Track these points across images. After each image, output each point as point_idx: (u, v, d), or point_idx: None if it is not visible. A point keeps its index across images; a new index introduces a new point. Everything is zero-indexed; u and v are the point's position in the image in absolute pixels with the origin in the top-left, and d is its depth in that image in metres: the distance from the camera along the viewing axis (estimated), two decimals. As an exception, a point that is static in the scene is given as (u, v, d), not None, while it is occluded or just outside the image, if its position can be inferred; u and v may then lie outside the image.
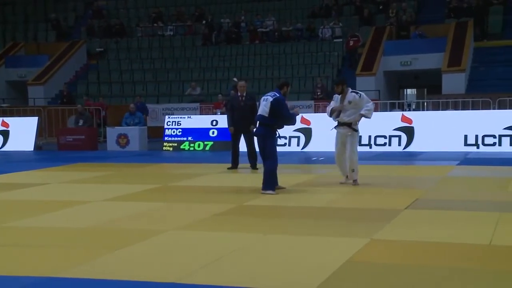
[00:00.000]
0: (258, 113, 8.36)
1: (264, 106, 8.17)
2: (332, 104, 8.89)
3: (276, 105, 8.05)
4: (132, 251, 5.20)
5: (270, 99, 8.13)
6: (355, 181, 8.68)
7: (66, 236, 5.89)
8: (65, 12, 30.03)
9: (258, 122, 8.39)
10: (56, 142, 17.92)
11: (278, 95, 8.15)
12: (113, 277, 4.43)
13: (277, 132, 8.29)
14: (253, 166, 11.17)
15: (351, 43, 22.85)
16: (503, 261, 4.70)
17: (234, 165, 11.30)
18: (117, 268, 4.69)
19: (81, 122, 18.06)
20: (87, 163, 13.47)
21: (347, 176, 8.77)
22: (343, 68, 23.43)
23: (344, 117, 8.68)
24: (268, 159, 8.20)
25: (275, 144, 8.30)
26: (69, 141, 17.54)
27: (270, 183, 8.15)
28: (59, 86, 24.54)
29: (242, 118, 11.01)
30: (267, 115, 8.11)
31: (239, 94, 11.39)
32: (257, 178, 10.11)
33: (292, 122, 8.42)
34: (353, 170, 8.64)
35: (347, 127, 8.68)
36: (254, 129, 8.76)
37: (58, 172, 11.60)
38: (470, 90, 20.41)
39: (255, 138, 8.86)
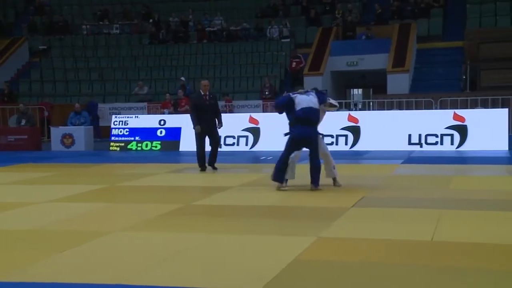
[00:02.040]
0: (302, 106, 8.13)
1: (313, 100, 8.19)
2: None
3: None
4: (77, 253, 5.10)
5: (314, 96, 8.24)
6: (335, 179, 8.57)
7: (7, 239, 5.72)
8: (4, 8, 29.10)
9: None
10: (-3, 142, 17.36)
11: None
12: (57, 280, 4.33)
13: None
14: (214, 166, 10.96)
15: (294, 64, 22.26)
16: (444, 256, 4.85)
17: (204, 167, 10.89)
18: (61, 270, 4.59)
19: (23, 122, 17.58)
20: (30, 163, 13.11)
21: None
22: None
23: None
24: (317, 157, 8.23)
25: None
26: (10, 141, 17.04)
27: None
28: (0, 84, 23.78)
29: (208, 117, 10.82)
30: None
31: (202, 93, 11.06)
32: (206, 178, 10.10)
33: None
34: (334, 167, 8.60)
35: None
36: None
37: (0, 173, 11.25)
38: (413, 90, 20.96)
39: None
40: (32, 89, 23.90)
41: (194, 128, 10.80)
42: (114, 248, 5.28)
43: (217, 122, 10.89)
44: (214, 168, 10.87)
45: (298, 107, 8.07)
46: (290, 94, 8.28)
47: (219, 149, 11.14)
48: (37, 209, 7.32)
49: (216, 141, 11.01)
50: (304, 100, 8.09)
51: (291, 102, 8.10)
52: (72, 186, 9.16)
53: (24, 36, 26.60)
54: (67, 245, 5.29)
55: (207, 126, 10.80)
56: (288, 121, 8.36)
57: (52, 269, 4.62)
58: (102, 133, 19.37)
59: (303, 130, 8.13)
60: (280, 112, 8.48)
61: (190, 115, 11.08)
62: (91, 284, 4.24)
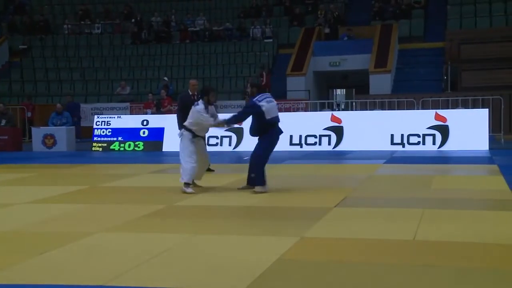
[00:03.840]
0: (277, 114, 8.18)
1: (276, 107, 8.19)
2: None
3: None
4: (58, 254, 5.04)
5: (273, 100, 8.20)
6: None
7: (-13, 241, 5.63)
8: (-17, 7, 28.79)
9: (278, 122, 8.21)
10: (-23, 143, 17.13)
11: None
12: (38, 282, 4.28)
13: None
14: (208, 168, 10.79)
15: (263, 80, 21.52)
16: (426, 255, 4.88)
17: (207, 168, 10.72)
18: (40, 272, 4.53)
19: (3, 122, 17.37)
20: (10, 164, 12.95)
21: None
22: (273, 67, 23.66)
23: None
24: None
25: None
26: (-10, 141, 16.81)
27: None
28: (-20, 84, 23.51)
29: None
30: None
31: (191, 93, 10.62)
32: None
33: None
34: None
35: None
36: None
37: (-21, 174, 11.08)
38: (395, 90, 21.10)
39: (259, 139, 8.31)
40: (12, 89, 23.64)
41: (178, 134, 9.41)
42: (96, 250, 5.23)
43: None
44: (209, 170, 10.63)
45: (268, 116, 8.01)
46: (256, 102, 8.05)
47: None
48: (17, 210, 7.23)
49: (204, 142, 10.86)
50: (272, 109, 8.08)
51: (260, 111, 8.01)
52: (53, 187, 9.06)
53: (4, 35, 26.30)
54: (47, 247, 5.22)
55: None
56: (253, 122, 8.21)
57: (32, 271, 4.56)
58: (82, 134, 19.20)
59: (278, 128, 8.17)
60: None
61: (177, 116, 10.61)
62: (72, 285, 4.19)
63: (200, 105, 8.25)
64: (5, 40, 25.85)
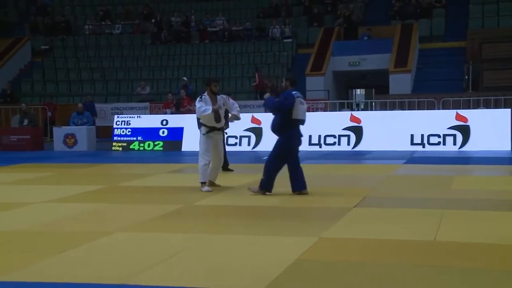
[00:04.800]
0: (304, 117, 7.87)
1: (305, 110, 7.91)
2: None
3: None
4: (76, 253, 5.05)
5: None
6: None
7: (6, 239, 5.67)
8: (5, 8, 29.10)
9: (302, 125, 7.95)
10: (-1, 142, 17.35)
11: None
12: (54, 280, 4.29)
13: None
14: (226, 168, 10.60)
15: (256, 81, 21.50)
16: (447, 256, 4.80)
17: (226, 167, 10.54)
18: (59, 271, 4.54)
19: (25, 122, 17.55)
20: (32, 163, 13.07)
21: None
22: (293, 67, 23.59)
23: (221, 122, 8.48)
24: (299, 158, 7.99)
25: None
26: (13, 141, 17.01)
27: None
28: (2, 84, 23.78)
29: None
30: None
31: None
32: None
33: None
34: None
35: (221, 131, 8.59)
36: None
37: (1, 173, 11.20)
38: (415, 90, 20.90)
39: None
40: (34, 89, 23.88)
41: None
42: (114, 249, 5.23)
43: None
44: (227, 170, 10.67)
45: (295, 116, 7.68)
46: (293, 94, 7.75)
47: None
48: (36, 209, 7.27)
49: (224, 143, 10.82)
50: (301, 110, 7.77)
51: (292, 105, 7.76)
52: (72, 186, 9.11)
53: (26, 36, 26.60)
54: (66, 246, 5.24)
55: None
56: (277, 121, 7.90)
57: (50, 270, 4.57)
58: (100, 133, 19.29)
59: (298, 130, 7.86)
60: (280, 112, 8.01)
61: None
62: (90, 284, 4.19)
63: (197, 101, 8.37)
64: (28, 40, 26.14)
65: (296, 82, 8.15)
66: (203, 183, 8.30)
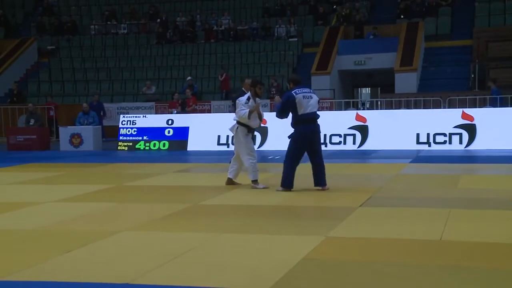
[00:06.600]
0: (313, 110, 7.97)
1: (315, 102, 8.02)
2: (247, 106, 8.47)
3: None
4: (85, 252, 5.09)
5: (315, 95, 8.09)
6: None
7: (15, 238, 5.72)
8: (13, 8, 29.22)
9: (316, 119, 8.05)
10: (6, 142, 17.43)
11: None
12: (64, 279, 4.32)
13: None
14: None
15: (220, 77, 21.67)
16: (454, 256, 4.81)
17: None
18: (68, 270, 4.58)
19: (32, 122, 17.63)
20: (39, 163, 13.14)
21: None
22: (298, 66, 23.59)
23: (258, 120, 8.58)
24: (321, 157, 8.08)
25: None
26: (19, 141, 17.09)
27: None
28: (9, 84, 23.89)
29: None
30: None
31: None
32: (213, 177, 10.07)
33: None
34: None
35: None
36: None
37: (8, 173, 11.27)
38: (421, 89, 20.86)
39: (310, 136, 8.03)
40: (40, 89, 23.98)
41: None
42: (122, 248, 5.27)
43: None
44: None
45: (300, 111, 7.85)
46: (292, 93, 7.93)
47: (227, 149, 11.00)
48: (44, 208, 7.33)
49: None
50: (306, 103, 7.87)
51: (293, 104, 7.93)
52: (79, 186, 9.17)
53: (33, 36, 26.71)
54: (74, 245, 5.28)
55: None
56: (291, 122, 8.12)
57: (59, 269, 4.61)
58: (106, 133, 19.34)
59: (309, 126, 7.97)
60: (285, 117, 8.18)
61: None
62: (98, 283, 4.23)
63: (243, 98, 8.38)
64: (34, 41, 26.25)
65: (299, 80, 8.27)
66: (255, 181, 8.39)
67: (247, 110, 8.32)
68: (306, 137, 7.99)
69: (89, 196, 8.22)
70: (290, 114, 8.09)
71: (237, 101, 8.53)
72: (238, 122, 8.41)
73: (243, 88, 10.50)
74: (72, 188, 8.97)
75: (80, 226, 6.21)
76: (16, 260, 4.89)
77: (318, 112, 8.20)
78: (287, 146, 8.19)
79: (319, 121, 8.18)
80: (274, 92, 21.08)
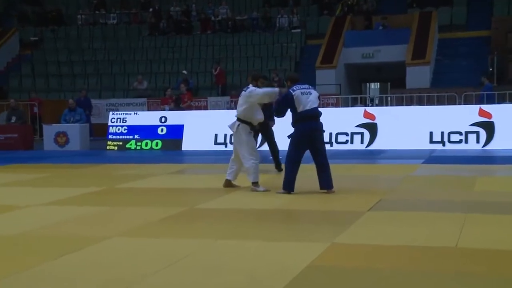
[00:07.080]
0: (315, 106, 8.08)
1: (314, 97, 8.11)
2: None
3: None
4: (73, 259, 5.14)
5: (314, 90, 8.21)
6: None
7: (3, 243, 5.77)
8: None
9: (317, 116, 8.13)
10: (-15, 141, 17.47)
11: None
12: (52, 286, 4.38)
13: None
14: (278, 167, 10.60)
15: (214, 71, 22.00)
16: (470, 264, 4.84)
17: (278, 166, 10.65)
18: (54, 277, 4.63)
19: (14, 119, 17.67)
20: (22, 164, 13.19)
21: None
22: (301, 60, 23.65)
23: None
24: (325, 156, 8.15)
25: None
26: (0, 139, 17.12)
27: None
28: (-11, 79, 23.96)
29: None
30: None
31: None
32: (210, 179, 10.12)
33: None
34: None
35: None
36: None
37: (-11, 175, 11.32)
38: (435, 84, 20.92)
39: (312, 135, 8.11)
40: (23, 84, 24.02)
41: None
42: (112, 255, 5.31)
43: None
44: (280, 170, 10.51)
45: (299, 108, 7.97)
46: (290, 91, 8.07)
47: (225, 148, 10.97)
48: (33, 212, 7.37)
49: (271, 139, 10.88)
50: (305, 100, 7.97)
51: (291, 102, 8.03)
52: (68, 189, 9.21)
53: (14, 27, 26.75)
54: (63, 251, 5.33)
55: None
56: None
57: (43, 277, 4.65)
58: (94, 131, 19.39)
59: (309, 124, 8.06)
60: (282, 116, 8.38)
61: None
62: (90, 292, 4.28)
63: (250, 87, 8.43)
64: (16, 32, 26.30)
65: (297, 78, 8.44)
66: (256, 183, 8.42)
67: (277, 88, 8.43)
68: (306, 135, 8.07)
69: (78, 199, 8.27)
70: (290, 114, 8.18)
71: (242, 92, 8.53)
72: (239, 119, 8.46)
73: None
74: (61, 190, 9.02)
75: (70, 231, 6.25)
76: (3, 266, 4.93)
77: (321, 109, 8.27)
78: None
79: (322, 118, 8.24)
80: (276, 86, 21.15)
